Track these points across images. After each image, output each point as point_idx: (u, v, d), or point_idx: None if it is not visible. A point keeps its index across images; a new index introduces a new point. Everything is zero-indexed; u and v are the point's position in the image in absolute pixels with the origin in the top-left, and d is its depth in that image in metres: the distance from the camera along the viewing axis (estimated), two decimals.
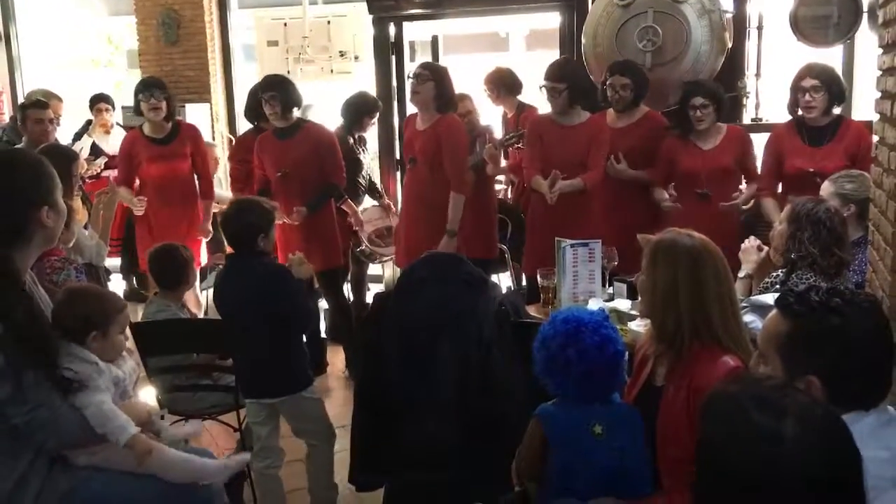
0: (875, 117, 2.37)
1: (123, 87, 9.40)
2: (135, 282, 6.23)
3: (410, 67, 4.85)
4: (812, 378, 1.45)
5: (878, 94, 2.30)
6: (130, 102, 4.93)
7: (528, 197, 4.38)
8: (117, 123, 6.22)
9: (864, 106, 4.42)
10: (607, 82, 4.08)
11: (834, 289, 1.54)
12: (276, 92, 4.26)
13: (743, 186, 4.00)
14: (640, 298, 2.14)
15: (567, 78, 3.90)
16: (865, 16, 4.22)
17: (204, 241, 4.90)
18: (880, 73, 2.27)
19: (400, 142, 5.06)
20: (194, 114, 6.61)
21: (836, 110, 3.77)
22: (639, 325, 2.78)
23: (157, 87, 4.66)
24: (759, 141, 4.10)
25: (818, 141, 3.72)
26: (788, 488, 1.13)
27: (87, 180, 5.41)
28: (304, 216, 4.28)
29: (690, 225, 2.15)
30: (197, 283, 4.40)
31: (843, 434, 1.18)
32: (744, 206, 3.86)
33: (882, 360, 1.48)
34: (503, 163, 4.78)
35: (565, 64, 4.09)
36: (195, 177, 4.79)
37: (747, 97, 4.64)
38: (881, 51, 2.25)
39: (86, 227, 3.79)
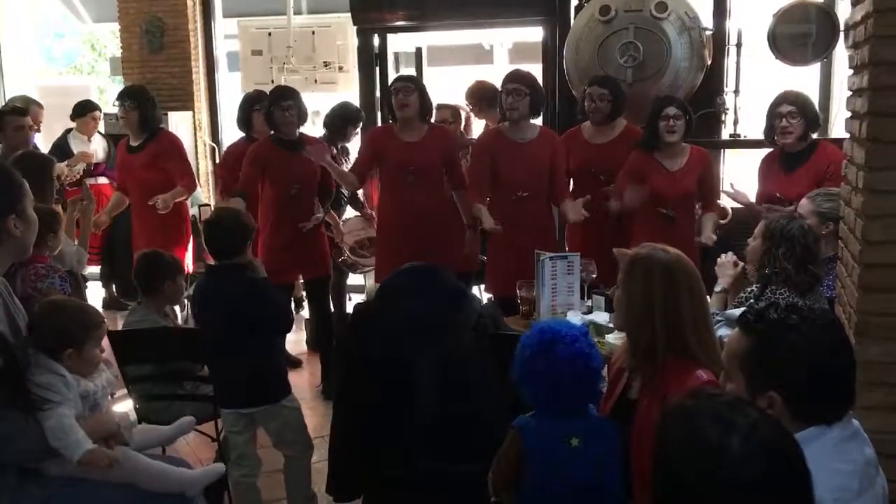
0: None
1: (106, 93, 9.38)
2: (114, 290, 6.20)
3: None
4: (773, 394, 1.47)
5: (849, 114, 2.35)
6: (111, 110, 4.98)
7: None
8: (98, 132, 6.19)
9: (841, 124, 4.49)
10: (586, 92, 4.06)
11: (792, 305, 1.56)
12: (293, 101, 4.15)
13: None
14: (615, 311, 2.17)
15: (528, 84, 3.89)
16: (842, 34, 4.29)
17: (189, 248, 4.91)
18: (850, 93, 2.32)
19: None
20: (177, 122, 6.59)
21: (814, 136, 3.78)
22: (616, 338, 2.80)
23: (128, 97, 4.71)
24: (737, 158, 4.15)
25: (792, 167, 3.73)
26: (731, 502, 1.15)
27: (67, 188, 5.38)
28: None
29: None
30: None
31: (791, 453, 1.19)
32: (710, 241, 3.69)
33: (841, 375, 1.50)
34: None
35: (526, 72, 4.03)
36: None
37: (726, 113, 4.70)
38: (851, 72, 2.31)
39: None
